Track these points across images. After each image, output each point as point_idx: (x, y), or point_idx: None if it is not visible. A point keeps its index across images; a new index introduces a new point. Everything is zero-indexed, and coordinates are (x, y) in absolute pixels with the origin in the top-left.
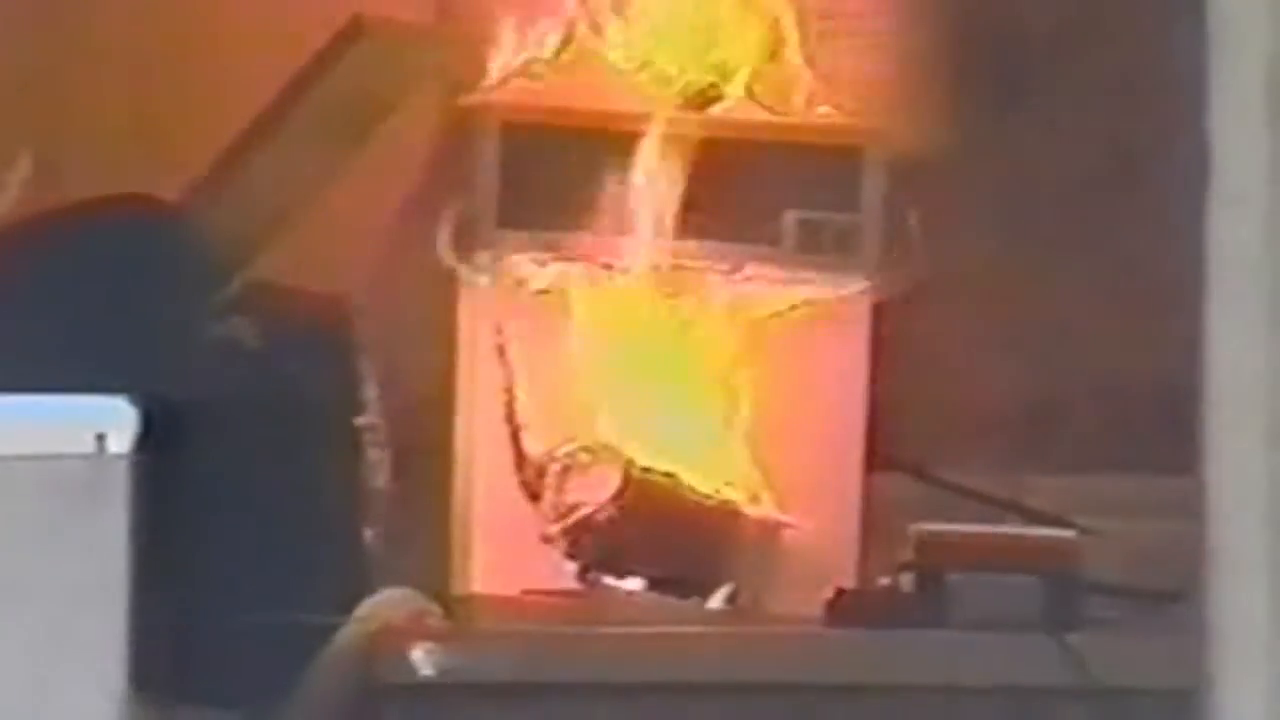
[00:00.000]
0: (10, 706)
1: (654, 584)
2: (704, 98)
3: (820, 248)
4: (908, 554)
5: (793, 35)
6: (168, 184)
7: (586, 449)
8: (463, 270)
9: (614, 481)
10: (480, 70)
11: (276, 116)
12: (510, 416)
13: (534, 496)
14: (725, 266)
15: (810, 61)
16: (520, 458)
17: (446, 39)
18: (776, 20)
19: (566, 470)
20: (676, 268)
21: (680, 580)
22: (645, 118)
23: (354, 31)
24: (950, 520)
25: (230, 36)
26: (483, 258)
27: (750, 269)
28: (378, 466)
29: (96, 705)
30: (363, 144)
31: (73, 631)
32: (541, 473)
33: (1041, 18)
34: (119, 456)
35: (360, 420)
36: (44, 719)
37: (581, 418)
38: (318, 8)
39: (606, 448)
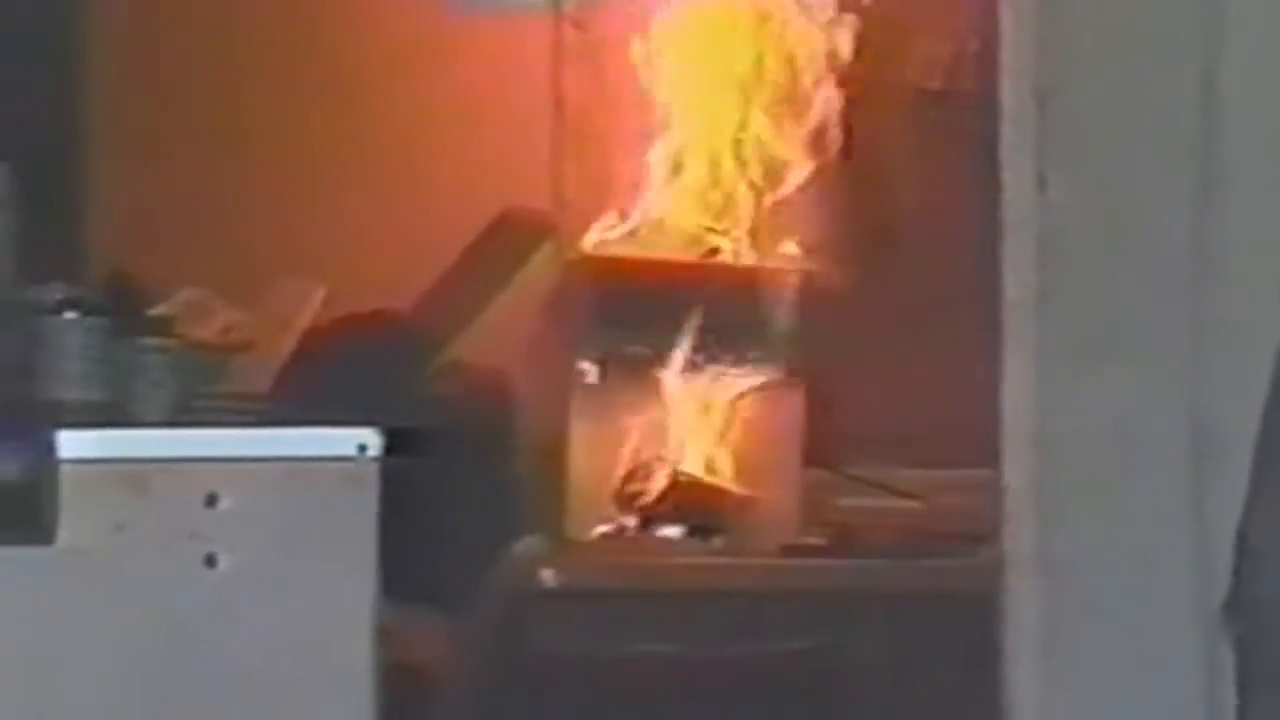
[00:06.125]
0: (297, 608)
1: (686, 533)
2: (711, 252)
3: (773, 344)
4: (828, 516)
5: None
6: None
7: (658, 459)
8: (574, 353)
9: (665, 479)
10: (580, 237)
11: (459, 266)
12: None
13: (620, 488)
14: (727, 356)
15: (770, 227)
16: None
17: (556, 222)
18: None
19: (643, 472)
20: (695, 351)
21: (699, 530)
22: (677, 264)
23: (503, 218)
24: (852, 497)
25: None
26: (586, 345)
27: (734, 357)
28: (523, 466)
29: (355, 606)
30: (508, 283)
31: (342, 564)
32: (628, 475)
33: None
34: (373, 459)
35: (512, 439)
36: (319, 615)
37: (649, 443)
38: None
39: (663, 459)
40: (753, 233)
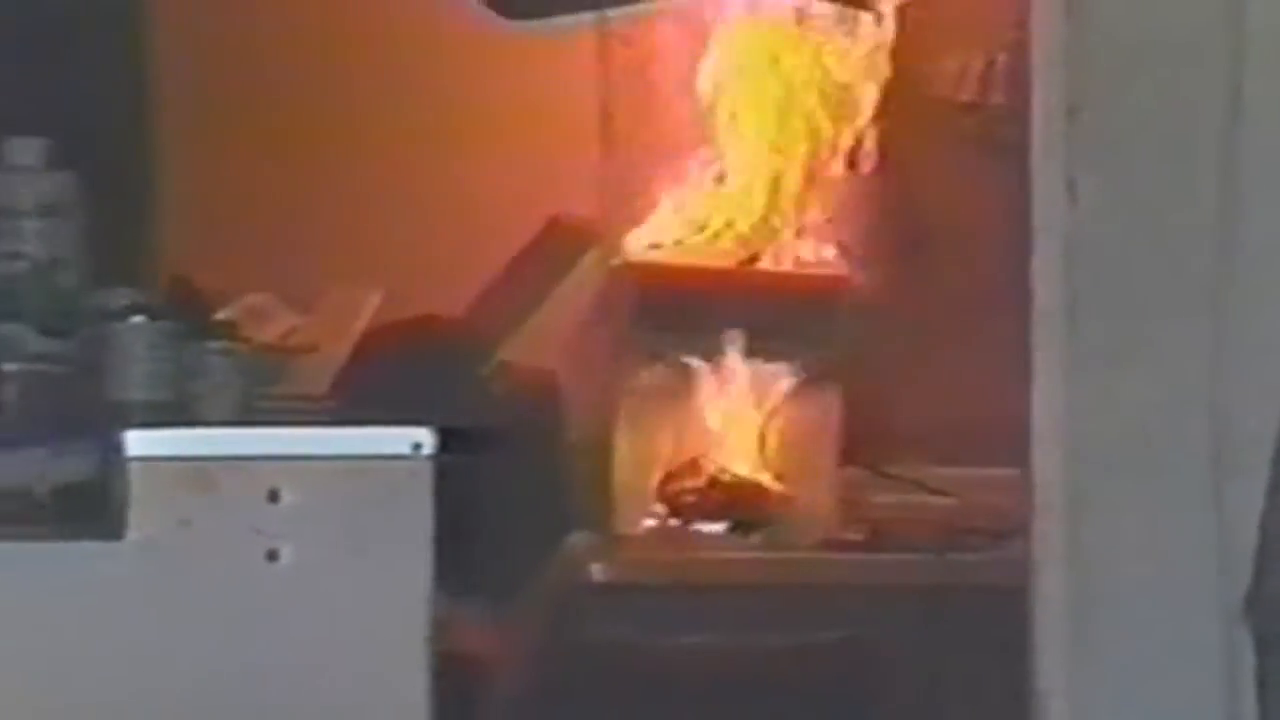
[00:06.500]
0: (355, 601)
1: (727, 529)
2: (752, 258)
3: (811, 347)
4: (863, 513)
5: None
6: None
7: (700, 457)
8: (618, 355)
9: (707, 477)
10: (626, 244)
11: (509, 272)
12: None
13: (664, 486)
14: (766, 358)
15: (809, 234)
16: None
17: (602, 229)
18: (797, 210)
19: (686, 471)
20: (736, 354)
21: (740, 526)
22: (719, 270)
23: (552, 225)
24: (887, 494)
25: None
26: (629, 347)
27: (773, 359)
28: (572, 464)
29: (411, 598)
30: (557, 288)
31: (398, 558)
32: (672, 474)
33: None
34: (427, 457)
35: (561, 438)
36: (376, 608)
37: (692, 443)
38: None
39: (705, 458)
40: (792, 239)
